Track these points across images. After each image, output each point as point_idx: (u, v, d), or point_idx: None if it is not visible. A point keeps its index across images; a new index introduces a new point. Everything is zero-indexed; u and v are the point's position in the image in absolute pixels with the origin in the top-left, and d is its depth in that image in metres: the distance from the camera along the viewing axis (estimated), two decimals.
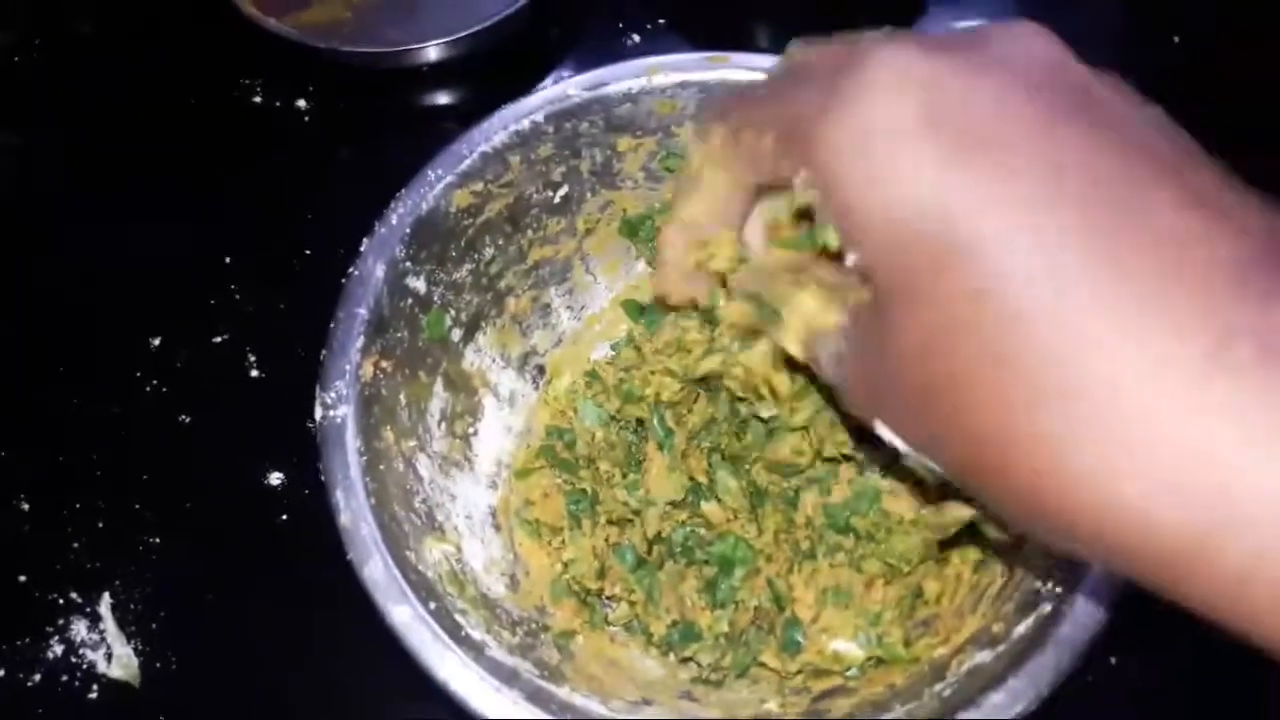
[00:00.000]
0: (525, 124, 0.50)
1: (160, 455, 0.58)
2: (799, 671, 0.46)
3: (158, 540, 0.56)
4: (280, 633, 0.53)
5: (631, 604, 0.48)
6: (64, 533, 0.56)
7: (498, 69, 0.72)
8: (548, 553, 0.50)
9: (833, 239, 0.27)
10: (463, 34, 0.68)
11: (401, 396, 0.47)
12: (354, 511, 0.41)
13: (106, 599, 0.54)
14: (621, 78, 0.51)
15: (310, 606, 0.54)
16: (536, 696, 0.39)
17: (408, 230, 0.48)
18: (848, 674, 0.45)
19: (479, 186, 0.50)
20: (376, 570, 0.40)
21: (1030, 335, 0.23)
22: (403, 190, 0.48)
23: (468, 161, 0.49)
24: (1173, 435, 0.22)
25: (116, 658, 0.52)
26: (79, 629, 0.53)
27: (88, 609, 0.54)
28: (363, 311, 0.46)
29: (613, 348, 0.55)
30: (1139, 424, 0.22)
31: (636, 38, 0.74)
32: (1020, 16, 0.71)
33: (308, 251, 0.65)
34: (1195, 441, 0.22)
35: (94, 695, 0.52)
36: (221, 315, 0.63)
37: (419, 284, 0.49)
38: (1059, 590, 0.39)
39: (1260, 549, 0.21)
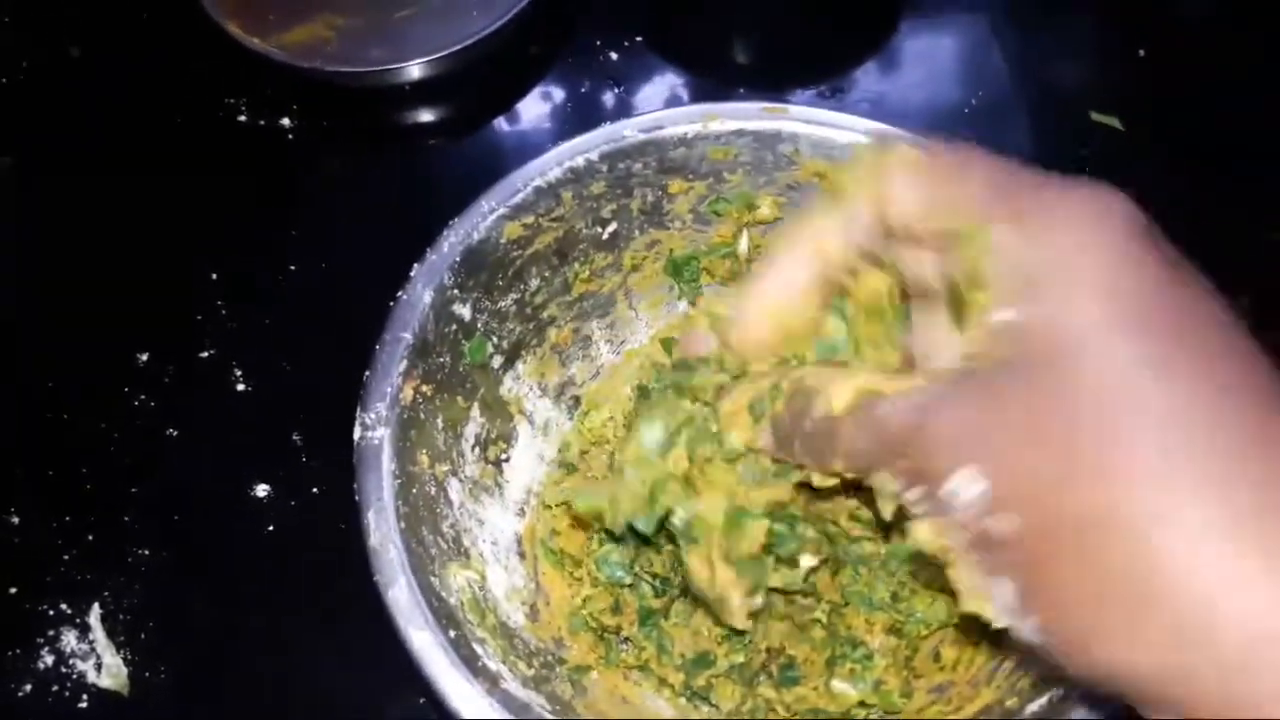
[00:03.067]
0: (580, 161, 0.51)
1: (148, 468, 0.59)
2: (798, 716, 0.47)
3: (146, 552, 0.56)
4: (268, 642, 0.54)
5: (643, 658, 0.49)
6: (54, 545, 0.56)
7: (479, 87, 0.74)
8: (569, 584, 0.51)
9: (984, 298, 0.29)
10: (444, 53, 0.70)
11: (439, 420, 0.48)
12: (383, 534, 0.42)
13: (96, 610, 0.55)
14: (678, 122, 0.51)
15: (298, 616, 0.55)
16: None
17: (457, 258, 0.48)
18: None
19: (530, 219, 0.51)
20: (401, 594, 0.41)
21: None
22: (455, 219, 0.49)
23: (521, 194, 0.50)
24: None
25: (106, 667, 0.53)
26: (69, 639, 0.54)
27: (77, 620, 0.54)
28: (407, 336, 0.46)
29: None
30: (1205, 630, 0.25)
31: (614, 56, 0.75)
32: (998, 36, 0.76)
33: (292, 267, 0.66)
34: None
35: (84, 705, 0.52)
36: (207, 331, 0.63)
37: (464, 311, 0.50)
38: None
39: None
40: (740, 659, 0.48)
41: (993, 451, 0.27)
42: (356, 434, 0.44)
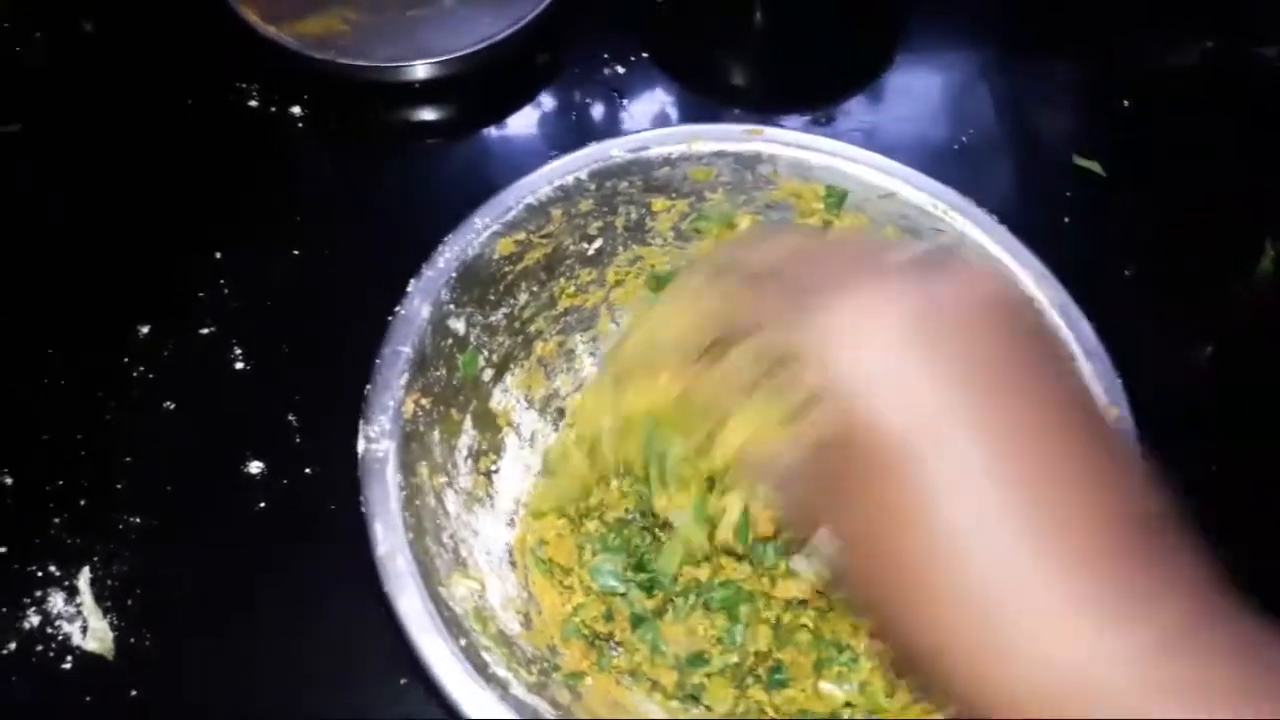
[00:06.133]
0: (569, 179, 0.53)
1: (144, 439, 0.59)
2: (787, 717, 0.48)
3: (138, 520, 0.57)
4: (253, 616, 0.55)
5: (635, 661, 0.50)
6: (46, 507, 0.57)
7: (485, 90, 0.75)
8: (559, 592, 0.52)
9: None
10: (454, 55, 0.71)
11: (436, 433, 0.49)
12: (392, 544, 0.43)
13: (85, 574, 0.55)
14: (663, 143, 0.54)
15: (284, 593, 0.55)
16: None
17: (453, 274, 0.50)
18: None
19: (521, 236, 0.52)
20: (413, 604, 0.42)
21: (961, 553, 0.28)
22: (450, 235, 0.50)
23: (513, 212, 0.52)
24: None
25: (92, 631, 0.53)
26: (56, 601, 0.54)
27: (66, 583, 0.55)
28: (407, 350, 0.48)
29: None
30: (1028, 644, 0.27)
31: (620, 69, 0.77)
32: (989, 78, 0.78)
33: (295, 251, 0.67)
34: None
35: (68, 666, 0.52)
36: (209, 308, 0.64)
37: (459, 325, 0.51)
38: None
39: None
40: (734, 659, 0.50)
41: (842, 528, 0.31)
42: (361, 447, 0.45)
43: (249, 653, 0.54)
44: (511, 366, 0.55)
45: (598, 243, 0.56)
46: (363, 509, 0.44)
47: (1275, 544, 0.56)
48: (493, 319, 0.53)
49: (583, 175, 0.53)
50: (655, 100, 0.76)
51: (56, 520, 0.57)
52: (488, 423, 0.54)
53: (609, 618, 0.51)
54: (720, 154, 0.54)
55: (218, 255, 0.66)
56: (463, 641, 0.42)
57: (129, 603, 0.55)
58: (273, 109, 0.73)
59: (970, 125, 0.76)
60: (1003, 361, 0.30)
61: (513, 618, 0.49)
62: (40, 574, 0.55)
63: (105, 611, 0.54)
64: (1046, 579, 0.27)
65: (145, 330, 0.63)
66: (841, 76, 0.79)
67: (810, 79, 0.79)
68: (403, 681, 0.52)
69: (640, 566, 0.52)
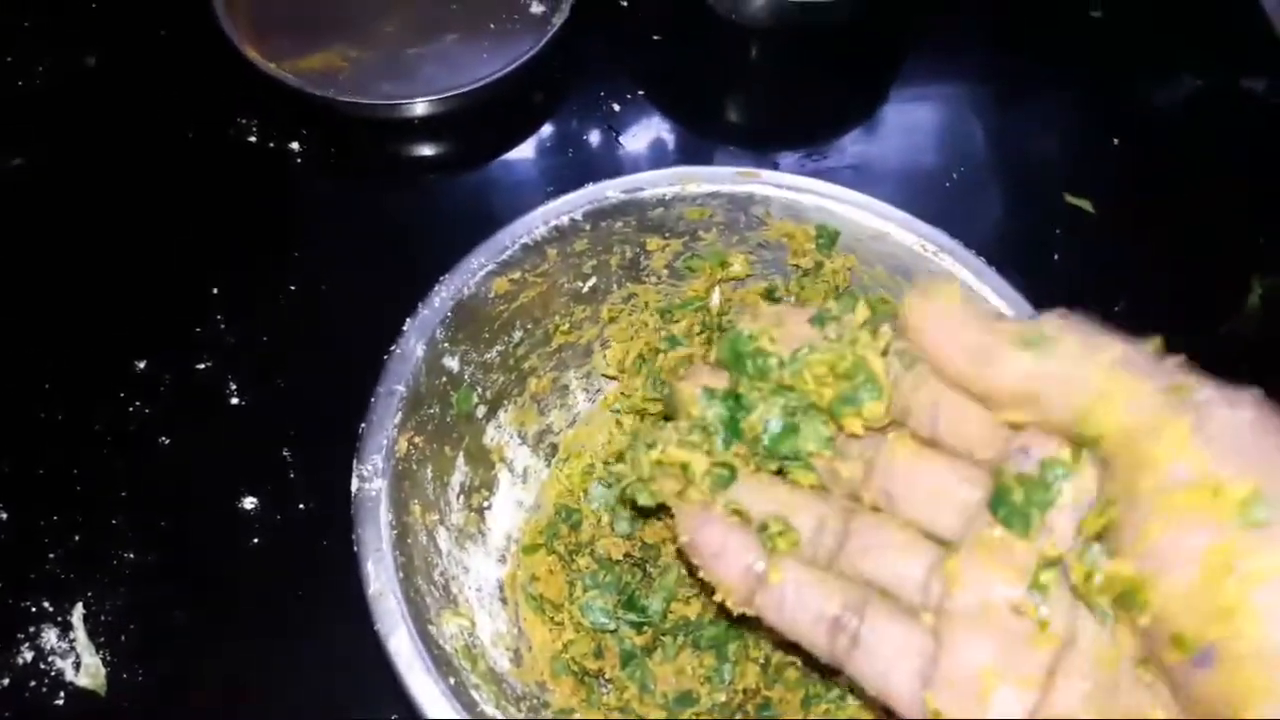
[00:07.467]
0: (565, 220, 0.53)
1: (139, 474, 0.60)
2: None
3: (132, 556, 0.57)
4: (246, 652, 0.55)
5: (625, 699, 0.50)
6: (40, 542, 0.57)
7: (483, 126, 0.76)
8: (549, 628, 0.52)
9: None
10: (452, 92, 0.72)
11: (429, 470, 0.50)
12: (382, 584, 0.43)
13: (79, 609, 0.55)
14: (658, 184, 0.54)
15: (277, 629, 0.56)
16: None
17: (449, 313, 0.50)
18: None
19: (517, 275, 0.53)
20: (402, 643, 0.42)
21: None
22: (446, 275, 0.51)
23: (509, 252, 0.52)
24: None
25: (84, 667, 0.54)
26: (49, 637, 0.55)
27: (59, 618, 0.55)
28: (401, 388, 0.48)
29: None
30: None
31: (616, 106, 0.78)
32: (981, 115, 0.79)
33: (292, 287, 0.68)
34: None
35: (60, 702, 0.53)
36: (205, 343, 0.65)
37: (453, 363, 0.51)
38: None
39: None
40: (722, 698, 0.50)
41: None
42: (354, 486, 0.46)
43: (242, 689, 0.54)
44: (505, 403, 0.56)
45: (592, 281, 0.56)
46: (355, 548, 0.44)
47: None
48: (487, 356, 0.54)
49: (578, 215, 0.53)
50: (651, 136, 0.77)
51: (51, 555, 0.57)
52: (480, 459, 0.54)
53: (599, 654, 0.51)
54: (714, 195, 0.55)
55: (215, 290, 0.67)
56: (452, 680, 0.42)
57: (122, 639, 0.55)
58: (271, 144, 0.74)
59: (961, 162, 0.77)
60: None
61: (502, 654, 0.50)
62: (34, 609, 0.55)
63: (98, 648, 0.54)
64: None
65: (142, 365, 0.64)
66: (835, 113, 0.80)
67: (804, 115, 0.80)
68: (394, 718, 0.53)
69: (631, 603, 0.52)
